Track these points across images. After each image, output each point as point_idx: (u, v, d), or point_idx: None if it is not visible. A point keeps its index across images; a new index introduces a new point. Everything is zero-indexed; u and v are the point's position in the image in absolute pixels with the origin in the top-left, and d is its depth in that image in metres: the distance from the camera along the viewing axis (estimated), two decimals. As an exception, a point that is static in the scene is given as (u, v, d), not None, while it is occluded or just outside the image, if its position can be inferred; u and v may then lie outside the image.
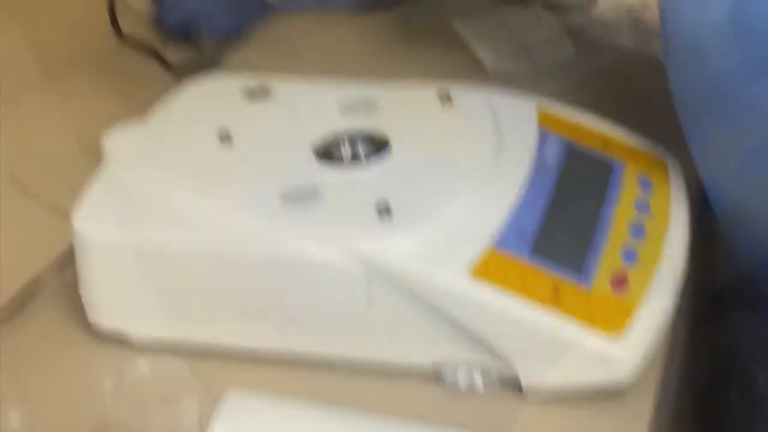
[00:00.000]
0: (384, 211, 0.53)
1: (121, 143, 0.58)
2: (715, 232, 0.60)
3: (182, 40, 0.76)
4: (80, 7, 0.82)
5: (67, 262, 0.58)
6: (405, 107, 0.61)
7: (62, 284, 0.59)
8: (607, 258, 0.53)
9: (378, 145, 0.57)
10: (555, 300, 0.51)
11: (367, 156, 0.57)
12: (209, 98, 0.62)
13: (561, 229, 0.54)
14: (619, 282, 0.52)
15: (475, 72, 0.76)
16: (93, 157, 0.58)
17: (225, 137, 0.58)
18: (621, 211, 0.56)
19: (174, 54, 0.76)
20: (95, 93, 0.74)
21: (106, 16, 0.77)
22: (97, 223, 0.54)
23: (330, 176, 0.55)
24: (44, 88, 0.75)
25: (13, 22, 0.82)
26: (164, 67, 0.75)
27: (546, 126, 0.60)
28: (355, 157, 0.57)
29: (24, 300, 0.59)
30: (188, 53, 0.76)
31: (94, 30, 0.78)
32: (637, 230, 0.55)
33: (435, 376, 0.54)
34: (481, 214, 0.53)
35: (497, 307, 0.51)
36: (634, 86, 0.74)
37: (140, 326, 0.55)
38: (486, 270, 0.51)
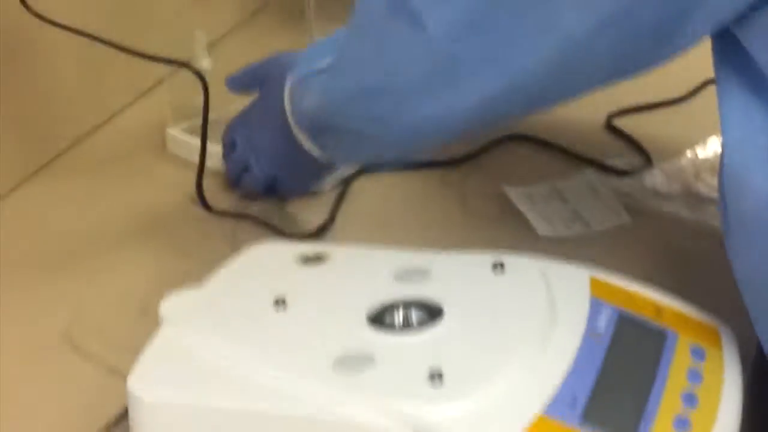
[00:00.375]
0: (436, 377, 0.53)
1: (179, 307, 0.59)
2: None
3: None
4: (168, 174, 0.84)
5: (120, 424, 0.59)
6: (458, 275, 0.61)
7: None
8: (659, 428, 0.53)
9: (431, 313, 0.58)
10: (606, 471, 0.50)
11: (420, 323, 0.57)
12: (266, 263, 0.64)
13: (612, 398, 0.54)
14: (672, 452, 0.52)
15: (527, 237, 0.77)
16: (153, 320, 0.59)
17: (280, 302, 0.59)
18: (673, 380, 0.55)
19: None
20: (165, 258, 0.75)
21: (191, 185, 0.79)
22: (152, 387, 0.55)
23: (383, 342, 0.56)
24: (110, 250, 0.77)
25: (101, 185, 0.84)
26: (276, 232, 0.77)
27: (598, 294, 0.60)
28: (408, 323, 0.57)
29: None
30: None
31: (178, 198, 0.80)
32: (690, 399, 0.54)
33: None
34: (532, 383, 0.53)
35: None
36: (688, 254, 0.74)
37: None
38: (536, 438, 0.51)
